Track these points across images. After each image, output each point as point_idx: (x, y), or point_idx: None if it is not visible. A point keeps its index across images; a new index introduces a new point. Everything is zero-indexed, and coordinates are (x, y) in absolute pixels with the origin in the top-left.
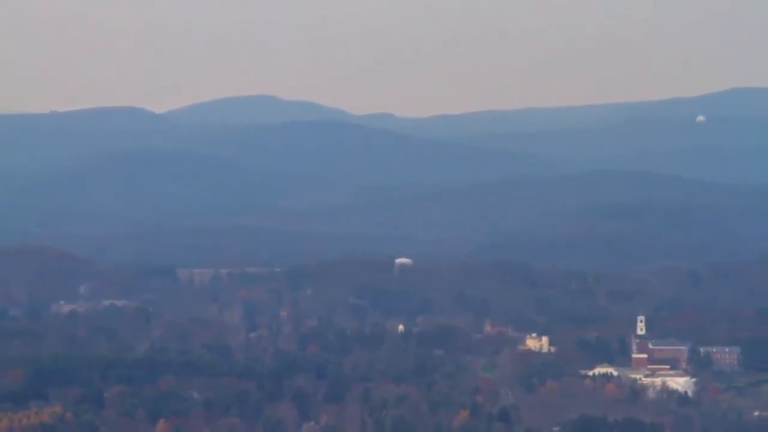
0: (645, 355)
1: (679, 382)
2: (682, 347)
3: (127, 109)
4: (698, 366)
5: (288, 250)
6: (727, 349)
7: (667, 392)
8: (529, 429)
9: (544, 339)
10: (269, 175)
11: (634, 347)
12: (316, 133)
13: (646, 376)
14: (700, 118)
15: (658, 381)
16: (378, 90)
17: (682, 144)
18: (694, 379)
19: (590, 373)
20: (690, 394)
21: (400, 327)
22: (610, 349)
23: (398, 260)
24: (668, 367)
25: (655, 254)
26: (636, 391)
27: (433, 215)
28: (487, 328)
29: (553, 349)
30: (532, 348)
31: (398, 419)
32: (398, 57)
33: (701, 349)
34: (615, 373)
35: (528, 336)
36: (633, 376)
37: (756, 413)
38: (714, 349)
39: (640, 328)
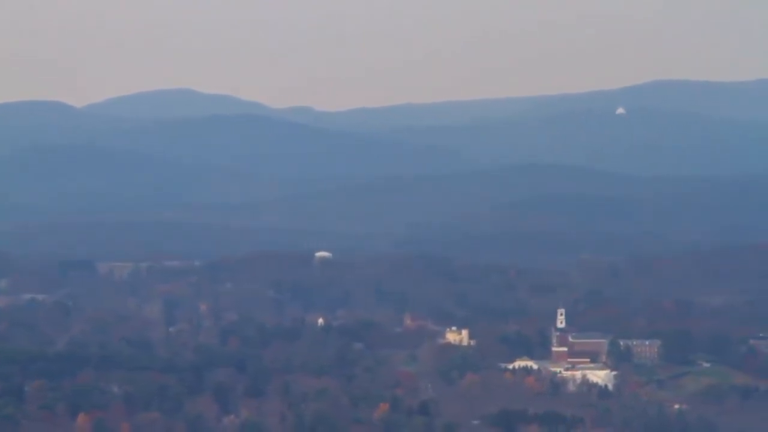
0: (565, 349)
1: (600, 375)
2: (602, 340)
3: (47, 103)
4: (618, 359)
5: (207, 243)
6: (647, 342)
7: (588, 385)
8: (449, 422)
9: (464, 332)
10: (188, 169)
11: (554, 340)
12: (234, 127)
13: (567, 369)
14: (620, 110)
15: (578, 374)
16: (296, 83)
17: (602, 137)
18: (614, 373)
19: (510, 366)
20: (610, 387)
21: (320, 321)
22: (530, 343)
23: (318, 254)
24: (588, 360)
25: (576, 247)
26: (556, 385)
27: (352, 209)
28: (407, 321)
29: (473, 343)
30: (452, 341)
31: (318, 413)
32: (316, 50)
33: (621, 342)
34: (535, 367)
35: (448, 329)
36: (553, 369)
37: (676, 406)
38: (634, 342)
39: (561, 321)
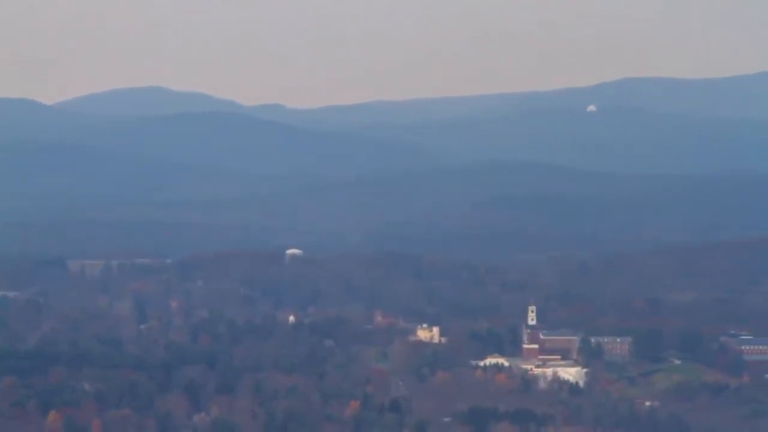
0: (536, 346)
1: (571, 373)
2: (573, 337)
3: (17, 100)
4: (589, 356)
5: (178, 241)
6: (618, 340)
7: (559, 382)
8: (420, 420)
9: (435, 329)
10: (160, 166)
11: (525, 337)
12: (206, 124)
13: (537, 366)
14: (591, 108)
15: (549, 371)
16: (268, 81)
17: (573, 134)
18: (585, 370)
19: (481, 363)
20: (581, 384)
21: (291, 318)
22: (501, 340)
23: (289, 251)
24: (559, 357)
25: (546, 245)
26: (527, 382)
27: (323, 206)
28: (378, 318)
29: (444, 340)
30: (423, 339)
31: (289, 410)
32: (287, 49)
33: (592, 339)
34: (506, 364)
35: (419, 327)
36: (524, 366)
37: (647, 403)
38: (605, 339)
39: (531, 319)
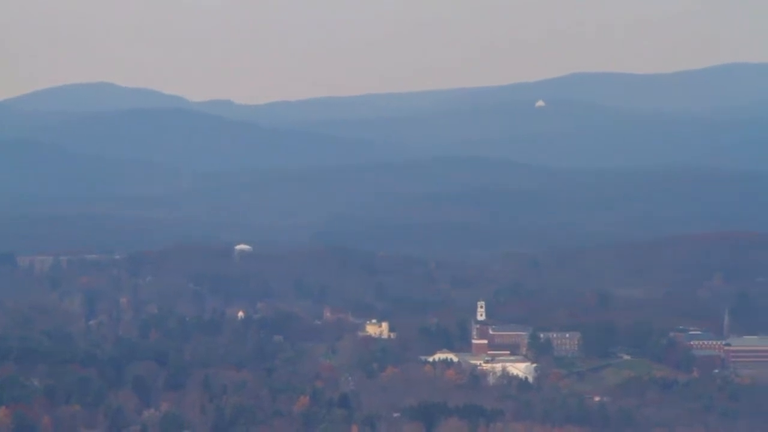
0: (485, 341)
1: (520, 368)
2: (522, 333)
3: None
4: (539, 351)
5: (128, 237)
6: (567, 335)
7: (508, 378)
8: (369, 415)
9: (384, 325)
10: (108, 162)
11: (474, 333)
12: (155, 120)
13: (487, 361)
14: (540, 103)
15: (498, 366)
16: (216, 77)
17: (522, 129)
18: (534, 365)
19: (430, 359)
20: (530, 379)
21: (240, 313)
22: (451, 335)
23: (238, 246)
24: (508, 352)
25: (496, 240)
26: (476, 377)
27: (272, 202)
28: (327, 314)
29: (393, 335)
30: (372, 334)
31: (238, 405)
32: (236, 44)
33: (542, 335)
34: (455, 359)
35: (368, 322)
36: (473, 361)
37: (597, 398)
38: (554, 335)
39: (481, 314)
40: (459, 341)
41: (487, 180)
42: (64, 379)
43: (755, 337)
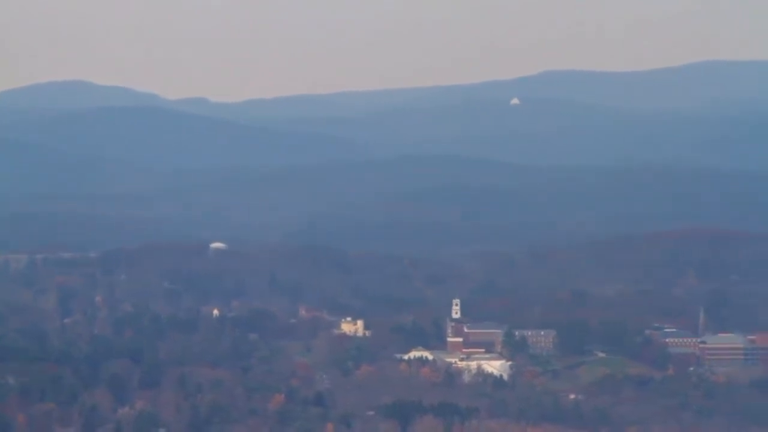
0: (460, 339)
1: (495, 366)
2: (497, 330)
3: None
4: (514, 349)
5: (102, 235)
6: (542, 332)
7: (483, 376)
8: (344, 413)
9: (359, 323)
10: (83, 161)
11: (449, 331)
12: (130, 118)
13: (462, 359)
14: (515, 101)
15: (473, 364)
16: (191, 75)
17: (496, 127)
18: (509, 363)
19: (405, 357)
20: (505, 377)
21: (215, 311)
22: (426, 333)
23: (213, 245)
24: (484, 350)
25: (470, 238)
26: (451, 375)
27: (246, 199)
28: (302, 312)
29: (368, 333)
30: (347, 332)
31: (213, 404)
32: (211, 42)
33: (517, 333)
34: (430, 357)
35: (343, 320)
36: (448, 359)
37: (572, 396)
38: (529, 332)
39: (456, 312)
40: (434, 339)
41: (461, 178)
42: (38, 377)
43: (730, 334)
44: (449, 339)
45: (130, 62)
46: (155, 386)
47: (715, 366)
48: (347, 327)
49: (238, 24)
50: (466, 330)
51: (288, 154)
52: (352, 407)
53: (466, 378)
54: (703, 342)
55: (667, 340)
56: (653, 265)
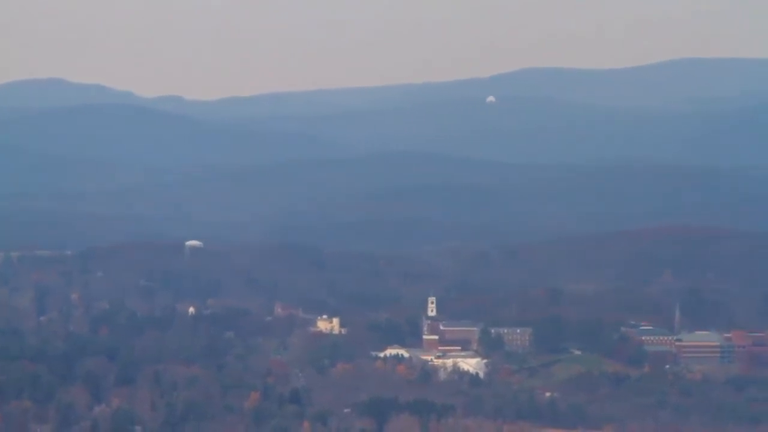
0: (436, 337)
1: (471, 363)
2: (473, 328)
3: None
4: (489, 347)
5: (78, 232)
6: (518, 330)
7: (459, 373)
8: (320, 411)
9: (335, 321)
10: (58, 158)
11: (425, 329)
12: (105, 116)
13: (438, 357)
14: (490, 98)
15: (449, 362)
16: (167, 73)
17: (472, 125)
18: (485, 360)
19: (381, 354)
20: (481, 375)
21: (191, 309)
22: (401, 331)
23: (188, 243)
24: (459, 348)
25: (446, 235)
26: (427, 373)
27: (222, 197)
28: (278, 310)
29: (344, 331)
30: (323, 330)
31: (189, 401)
32: (186, 40)
33: (492, 330)
34: (406, 355)
35: (319, 318)
36: (424, 357)
37: (548, 394)
38: (505, 330)
39: (431, 310)
40: (410, 337)
41: (436, 175)
42: (14, 374)
43: (706, 332)
44: (425, 337)
45: (106, 60)
46: (131, 384)
47: (691, 364)
48: (323, 325)
49: (213, 23)
50: (441, 328)
51: (264, 152)
52: (329, 405)
53: (442, 376)
54: (680, 340)
55: (643, 337)
56: (629, 262)
